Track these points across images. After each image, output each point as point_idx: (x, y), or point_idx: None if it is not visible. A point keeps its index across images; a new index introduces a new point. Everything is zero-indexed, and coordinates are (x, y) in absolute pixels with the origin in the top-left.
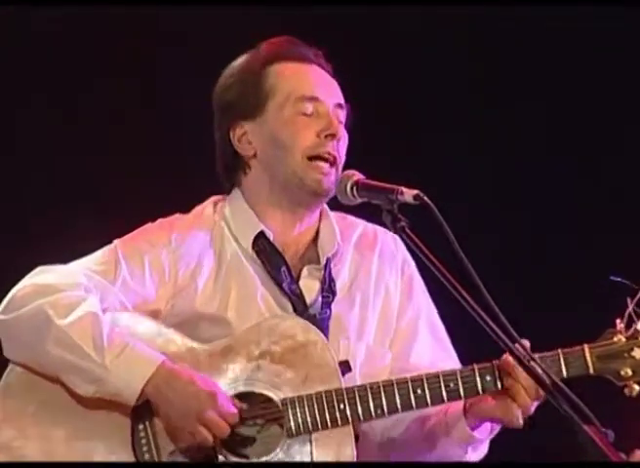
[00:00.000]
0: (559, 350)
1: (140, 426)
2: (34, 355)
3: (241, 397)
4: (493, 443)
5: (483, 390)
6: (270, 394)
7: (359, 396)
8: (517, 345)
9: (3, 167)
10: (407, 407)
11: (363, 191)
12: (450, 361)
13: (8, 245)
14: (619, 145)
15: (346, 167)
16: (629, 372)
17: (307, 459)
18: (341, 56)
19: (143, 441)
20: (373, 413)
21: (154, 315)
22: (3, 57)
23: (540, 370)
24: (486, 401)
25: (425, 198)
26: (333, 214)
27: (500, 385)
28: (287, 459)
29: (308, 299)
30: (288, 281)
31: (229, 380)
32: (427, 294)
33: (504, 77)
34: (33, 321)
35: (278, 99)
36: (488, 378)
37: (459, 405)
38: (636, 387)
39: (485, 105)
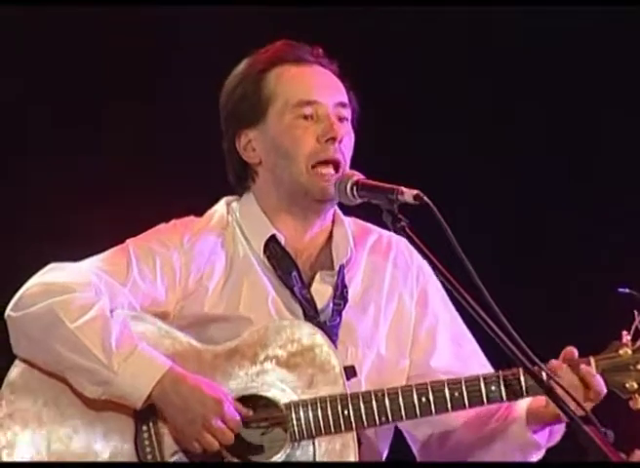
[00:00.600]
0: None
1: (144, 427)
2: (42, 353)
3: (245, 400)
4: None
5: (488, 400)
6: (275, 397)
7: (363, 402)
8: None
9: (21, 164)
10: (411, 414)
11: (363, 191)
12: (475, 367)
13: (23, 242)
14: (620, 145)
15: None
16: (635, 386)
17: None
18: (341, 56)
19: (147, 442)
20: (377, 420)
21: (163, 316)
22: (4, 56)
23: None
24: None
25: (425, 198)
26: (347, 220)
27: (504, 395)
28: None
29: (319, 305)
30: (299, 286)
31: (234, 383)
32: (447, 301)
33: (504, 77)
34: (43, 320)
35: (277, 106)
36: (493, 388)
37: (520, 410)
38: None
39: (485, 105)
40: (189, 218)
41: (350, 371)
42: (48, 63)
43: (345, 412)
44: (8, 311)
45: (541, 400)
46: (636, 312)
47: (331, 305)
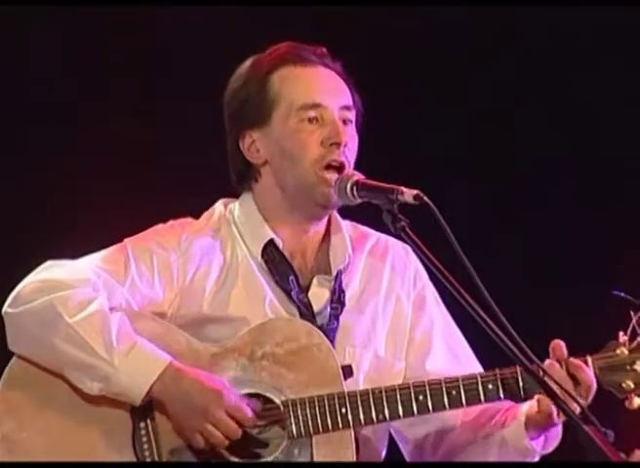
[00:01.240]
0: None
1: (142, 424)
2: (40, 349)
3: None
4: None
5: (485, 398)
6: (272, 396)
7: (361, 400)
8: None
9: (19, 165)
10: (409, 413)
11: (363, 191)
12: (469, 371)
13: (17, 241)
14: (621, 145)
15: None
16: (631, 385)
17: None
18: (341, 55)
19: (144, 438)
20: (374, 418)
21: (160, 316)
22: (4, 56)
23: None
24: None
25: (425, 198)
26: (345, 224)
27: (502, 394)
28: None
29: (317, 308)
30: (296, 290)
31: (231, 381)
32: (441, 304)
33: (505, 77)
34: (42, 315)
35: (282, 109)
36: (490, 387)
37: (519, 416)
38: (637, 400)
39: (485, 105)
40: (187, 219)
41: (348, 370)
42: (48, 63)
43: (343, 411)
44: (5, 308)
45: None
46: (632, 312)
47: (328, 309)
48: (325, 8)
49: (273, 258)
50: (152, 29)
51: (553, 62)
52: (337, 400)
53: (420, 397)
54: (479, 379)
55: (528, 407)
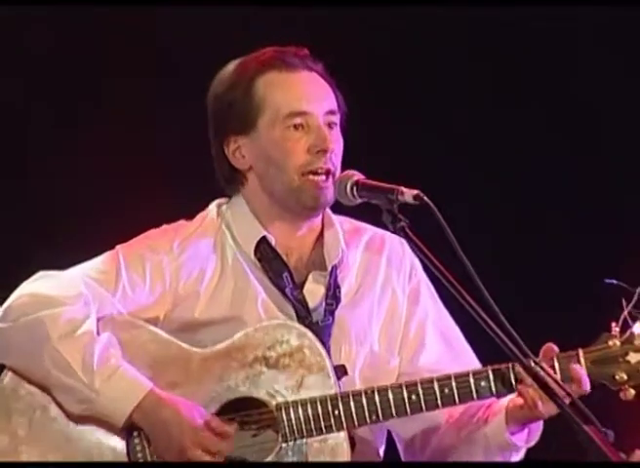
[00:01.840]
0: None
1: (135, 433)
2: (28, 366)
3: (236, 402)
4: None
5: (478, 395)
6: (265, 399)
7: (354, 401)
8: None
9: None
10: (402, 412)
11: (363, 191)
12: (463, 365)
13: (17, 241)
14: (620, 145)
15: (346, 167)
16: (624, 377)
17: None
18: (341, 55)
19: (138, 447)
20: (367, 419)
21: (153, 321)
22: (5, 56)
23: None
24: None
25: (425, 198)
26: (340, 219)
27: (494, 390)
28: None
29: (312, 305)
30: (290, 287)
31: (224, 385)
32: (437, 298)
33: (504, 77)
34: (30, 333)
35: (268, 116)
36: (483, 384)
37: (499, 412)
38: (632, 391)
39: (485, 105)
40: (180, 223)
41: (341, 371)
42: (48, 63)
43: (336, 412)
44: None
45: (518, 400)
46: (624, 302)
47: (323, 305)
48: (325, 8)
49: (267, 256)
50: (153, 29)
51: (553, 62)
52: (329, 401)
53: (413, 396)
54: (471, 376)
55: (507, 401)
